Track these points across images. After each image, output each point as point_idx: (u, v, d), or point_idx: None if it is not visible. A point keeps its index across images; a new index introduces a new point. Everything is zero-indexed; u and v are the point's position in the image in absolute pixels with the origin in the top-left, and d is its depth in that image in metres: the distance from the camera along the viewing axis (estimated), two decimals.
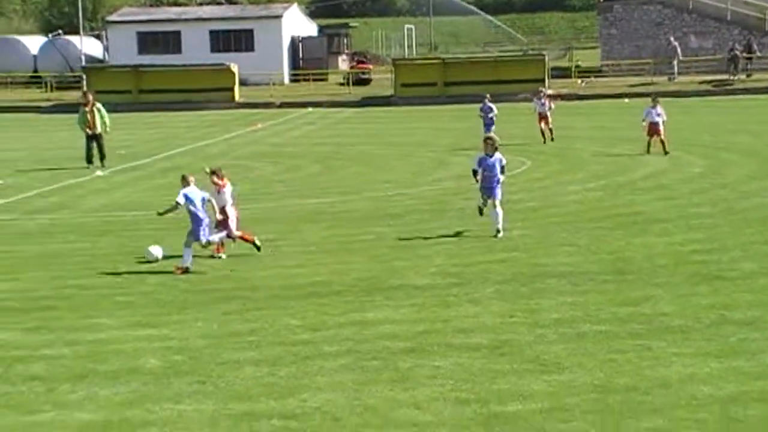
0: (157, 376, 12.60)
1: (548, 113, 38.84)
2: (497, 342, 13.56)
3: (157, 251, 19.73)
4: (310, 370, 12.69)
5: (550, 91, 41.40)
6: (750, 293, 15.66)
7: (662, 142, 32.88)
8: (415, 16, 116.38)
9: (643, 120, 33.64)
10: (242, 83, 67.79)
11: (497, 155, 21.24)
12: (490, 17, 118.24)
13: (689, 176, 28.72)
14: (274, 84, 70.44)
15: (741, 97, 56.20)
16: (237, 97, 65.65)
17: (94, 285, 17.76)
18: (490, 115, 37.70)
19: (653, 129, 33.13)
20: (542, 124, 38.77)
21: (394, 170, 32.36)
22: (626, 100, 58.24)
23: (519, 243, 20.28)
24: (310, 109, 60.92)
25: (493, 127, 35.69)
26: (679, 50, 64.37)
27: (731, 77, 62.56)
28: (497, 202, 20.96)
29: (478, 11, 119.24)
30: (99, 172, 33.80)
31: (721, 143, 35.53)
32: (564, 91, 62.57)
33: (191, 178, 19.52)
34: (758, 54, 64.60)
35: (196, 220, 18.90)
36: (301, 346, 13.71)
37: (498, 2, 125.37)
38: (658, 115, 33.05)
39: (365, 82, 74.00)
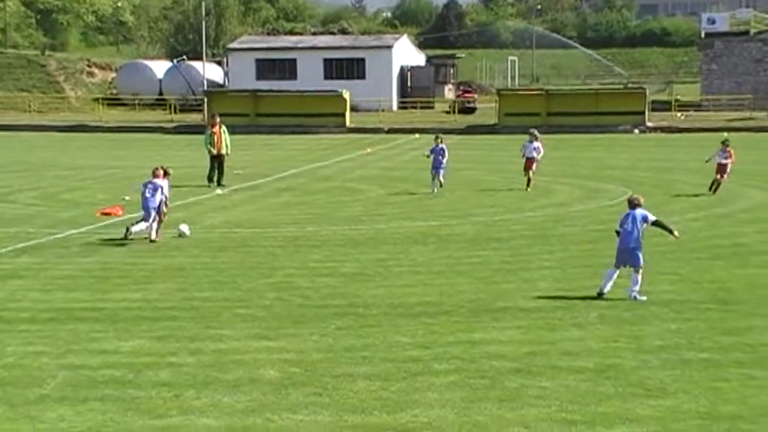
0: (275, 387, 12.67)
1: (537, 158, 33.67)
2: (602, 365, 13.38)
3: (185, 228, 23.93)
4: (421, 386, 12.66)
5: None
6: None
7: (718, 183, 31.77)
8: (518, 48, 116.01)
9: (708, 160, 32.79)
10: (353, 109, 68.23)
11: (639, 210, 17.74)
12: (590, 51, 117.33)
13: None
14: (383, 110, 70.76)
15: None
16: (348, 123, 66.08)
17: (216, 298, 17.96)
18: (441, 157, 33.12)
19: (720, 169, 31.92)
20: (529, 170, 33.51)
21: (499, 195, 32.22)
22: (725, 134, 57.23)
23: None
24: (417, 135, 61.02)
25: (442, 171, 32.93)
26: None
27: None
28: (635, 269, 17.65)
29: (578, 46, 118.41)
30: (218, 191, 34.25)
31: None
32: (664, 123, 61.78)
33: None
34: None
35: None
36: (411, 362, 13.69)
37: (599, 36, 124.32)
38: (726, 157, 31.89)
39: (470, 110, 73.94)
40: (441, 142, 33.33)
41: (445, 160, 33.02)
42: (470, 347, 14.42)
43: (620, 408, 11.72)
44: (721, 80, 68.35)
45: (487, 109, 70.63)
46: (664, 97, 73.77)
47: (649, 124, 61.13)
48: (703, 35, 70.92)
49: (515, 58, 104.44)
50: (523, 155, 33.67)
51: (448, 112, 73.12)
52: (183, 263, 21.34)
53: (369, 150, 51.20)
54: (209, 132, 36.40)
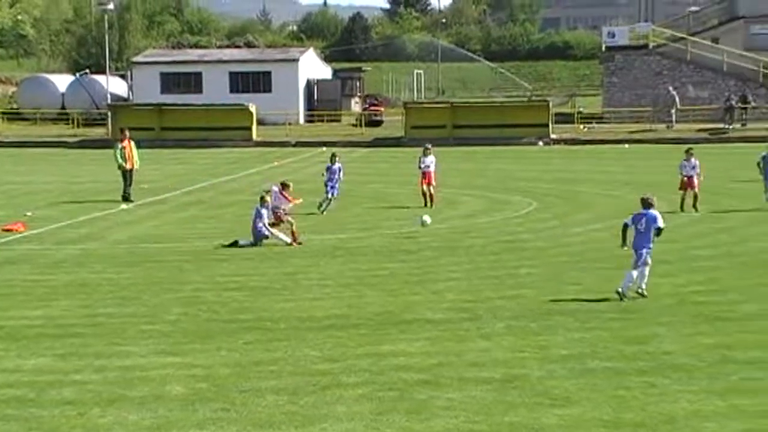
0: (182, 403, 12.57)
1: (433, 172, 32.94)
2: (508, 376, 13.53)
3: (427, 219, 26.05)
4: (329, 399, 12.67)
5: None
6: (750, 334, 15.63)
7: (695, 196, 30.49)
8: (424, 61, 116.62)
9: (680, 172, 31.04)
10: (260, 123, 67.93)
11: (653, 211, 18.46)
12: (494, 64, 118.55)
13: (689, 220, 28.70)
14: (290, 124, 70.61)
15: (736, 145, 56.19)
16: (255, 136, 65.79)
17: (121, 314, 17.75)
18: (336, 176, 32.25)
19: (688, 183, 30.65)
20: (424, 185, 32.78)
21: (406, 208, 32.36)
22: (626, 145, 58.34)
23: (527, 281, 20.27)
24: (324, 148, 60.99)
25: (336, 190, 32.14)
26: (677, 99, 64.46)
27: (727, 126, 62.60)
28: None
29: (482, 59, 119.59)
30: (124, 206, 33.85)
31: (721, 189, 35.46)
32: (567, 135, 62.69)
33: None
34: (753, 104, 64.65)
35: None
36: (320, 376, 13.69)
37: (503, 50, 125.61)
38: (693, 168, 30.58)
39: (377, 123, 74.16)
40: (337, 161, 32.87)
41: (338, 178, 32.47)
42: (378, 360, 14.47)
43: (526, 417, 11.85)
44: (621, 93, 69.55)
45: (393, 122, 70.91)
46: (567, 109, 74.82)
47: (553, 136, 61.97)
48: (604, 49, 72.14)
49: (421, 71, 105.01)
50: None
51: (355, 125, 73.24)
52: (87, 279, 21.05)
53: (276, 163, 51.05)
54: (120, 147, 35.91)
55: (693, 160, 30.09)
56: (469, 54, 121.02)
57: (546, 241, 25.55)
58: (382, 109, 79.19)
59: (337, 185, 32.19)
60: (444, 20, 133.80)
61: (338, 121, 76.69)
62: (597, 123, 67.56)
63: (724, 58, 67.65)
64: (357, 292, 19.46)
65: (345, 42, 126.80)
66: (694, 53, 68.60)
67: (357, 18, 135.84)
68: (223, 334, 16.15)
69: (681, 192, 30.69)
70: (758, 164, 30.52)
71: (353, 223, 29.23)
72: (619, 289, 18.23)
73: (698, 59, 68.56)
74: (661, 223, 18.38)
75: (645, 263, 18.35)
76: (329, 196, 31.86)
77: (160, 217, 31.40)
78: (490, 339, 15.59)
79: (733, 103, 63.49)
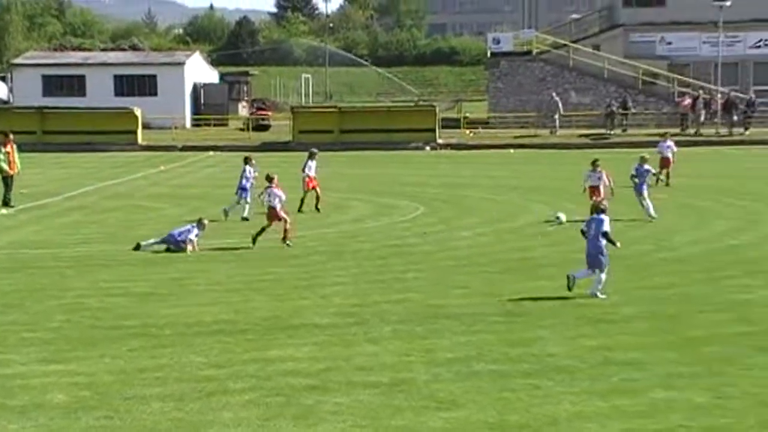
0: (65, 411, 12.35)
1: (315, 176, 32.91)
2: (395, 380, 13.59)
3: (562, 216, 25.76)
4: (216, 405, 12.58)
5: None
6: (631, 336, 15.96)
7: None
8: (312, 65, 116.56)
9: (584, 182, 30.33)
10: (145, 126, 67.11)
11: (603, 216, 18.92)
12: (381, 69, 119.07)
13: (570, 225, 29.15)
14: (176, 128, 69.88)
15: (617, 150, 57.34)
16: (140, 140, 64.95)
17: (1, 321, 17.35)
18: (249, 182, 31.80)
19: (593, 192, 29.73)
20: (309, 189, 32.81)
21: (293, 213, 32.23)
22: (511, 150, 59.12)
23: (414, 285, 20.40)
24: (211, 153, 60.57)
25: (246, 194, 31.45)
26: (560, 105, 65.57)
27: (608, 131, 63.89)
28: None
29: (368, 64, 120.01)
30: (3, 210, 33.11)
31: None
32: (454, 140, 63.27)
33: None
34: (633, 110, 66.12)
35: None
36: (206, 382, 13.58)
37: (390, 55, 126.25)
38: (599, 178, 29.90)
39: (264, 128, 73.83)
40: (252, 163, 32.62)
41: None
42: (266, 365, 14.41)
43: (412, 421, 11.93)
44: (507, 98, 70.47)
45: (281, 126, 70.71)
46: (453, 114, 75.49)
47: (440, 141, 62.46)
48: (489, 55, 73.02)
49: (309, 76, 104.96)
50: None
51: (242, 129, 72.82)
52: None
53: (162, 168, 50.47)
54: (3, 151, 35.05)
55: (599, 170, 29.67)
56: (357, 59, 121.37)
57: (433, 245, 25.74)
58: (270, 113, 78.89)
59: (248, 190, 31.80)
60: (331, 25, 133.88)
61: (225, 125, 76.16)
62: (483, 128, 68.31)
63: (605, 65, 69.04)
64: (244, 297, 19.35)
65: (232, 46, 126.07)
66: (576, 60, 69.87)
67: (244, 22, 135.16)
68: (106, 340, 15.91)
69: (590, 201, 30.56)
70: (632, 177, 30.15)
71: (241, 228, 29.03)
72: (592, 293, 18.73)
73: (580, 66, 69.86)
74: (605, 227, 18.81)
75: (602, 269, 18.76)
76: (245, 199, 31.63)
77: (41, 222, 30.79)
78: (377, 343, 15.64)
79: (614, 108, 64.85)
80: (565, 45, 71.08)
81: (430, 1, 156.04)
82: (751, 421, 11.75)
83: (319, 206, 32.41)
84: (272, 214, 25.68)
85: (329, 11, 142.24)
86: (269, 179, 26.16)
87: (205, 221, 25.99)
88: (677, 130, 62.26)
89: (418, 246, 25.41)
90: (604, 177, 29.38)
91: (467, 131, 66.67)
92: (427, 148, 61.27)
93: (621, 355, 14.70)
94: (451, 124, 67.75)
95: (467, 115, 71.80)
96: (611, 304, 18.31)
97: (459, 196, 36.60)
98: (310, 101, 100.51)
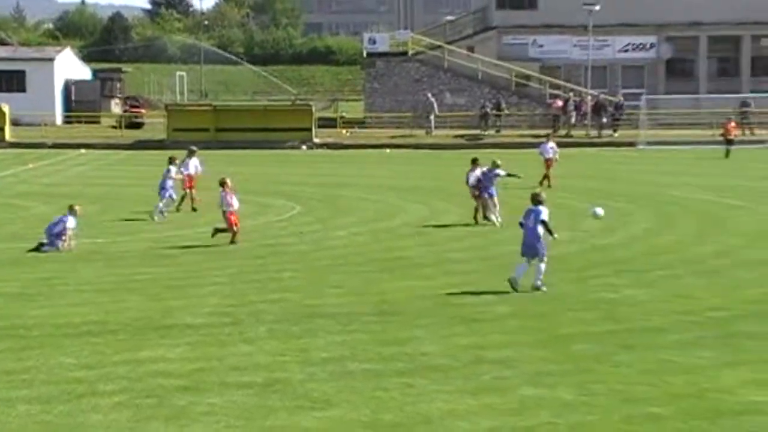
0: None
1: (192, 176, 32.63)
2: (270, 380, 13.56)
3: (600, 211, 24.03)
4: (85, 407, 12.38)
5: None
6: (502, 334, 16.20)
7: (484, 206, 29.40)
8: (187, 63, 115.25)
9: (468, 183, 30.03)
10: (14, 123, 65.54)
11: (540, 207, 19.65)
12: (257, 68, 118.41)
13: (446, 223, 29.46)
14: (46, 125, 68.39)
15: (491, 150, 58.03)
16: (8, 137, 63.41)
17: None
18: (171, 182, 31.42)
19: (472, 193, 29.83)
20: (190, 185, 32.53)
21: (170, 212, 31.89)
22: (387, 150, 59.39)
23: (290, 284, 20.37)
24: (83, 150, 59.46)
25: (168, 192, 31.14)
26: (435, 105, 66.11)
27: (482, 132, 64.67)
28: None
29: (244, 62, 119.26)
30: None
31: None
32: (330, 140, 63.29)
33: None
34: (506, 112, 67.02)
35: None
36: (75, 384, 13.36)
37: (266, 53, 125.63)
38: (477, 178, 29.61)
39: (138, 125, 72.78)
40: (176, 162, 32.03)
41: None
42: (137, 366, 14.23)
43: (287, 421, 11.92)
44: (383, 98, 70.76)
45: (155, 125, 69.78)
46: (330, 114, 75.54)
47: (317, 140, 62.43)
48: (365, 55, 73.24)
49: (183, 73, 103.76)
50: (185, 173, 32.50)
51: (115, 127, 71.65)
52: None
53: (31, 165, 49.36)
54: None
55: (478, 170, 29.61)
56: (232, 57, 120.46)
57: (309, 244, 25.74)
58: (143, 111, 77.79)
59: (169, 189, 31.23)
60: (206, 22, 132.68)
61: (97, 122, 74.74)
62: (359, 128, 68.50)
63: (479, 66, 69.84)
64: (116, 297, 19.07)
65: (104, 42, 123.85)
66: (451, 61, 70.52)
67: (117, 18, 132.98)
68: None
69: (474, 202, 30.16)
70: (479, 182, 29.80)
71: (113, 227, 28.61)
72: (512, 278, 19.31)
73: (455, 67, 70.53)
74: (544, 216, 19.47)
75: (542, 259, 19.38)
76: (170, 198, 31.11)
77: None
78: (252, 343, 15.58)
79: (488, 110, 65.66)
80: (440, 46, 71.69)
81: (306, 0, 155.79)
82: (615, 417, 12.04)
83: (195, 206, 32.08)
84: (228, 218, 25.48)
85: (204, 8, 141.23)
86: (222, 184, 25.85)
87: (77, 207, 25.51)
88: (549, 132, 63.39)
89: (294, 246, 25.38)
90: (478, 172, 29.46)
91: (344, 131, 66.79)
92: (304, 147, 61.19)
93: (493, 354, 14.91)
94: (327, 123, 67.75)
95: (344, 114, 71.93)
96: (484, 303, 18.55)
97: (335, 195, 36.64)
98: (185, 99, 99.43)
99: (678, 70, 72.10)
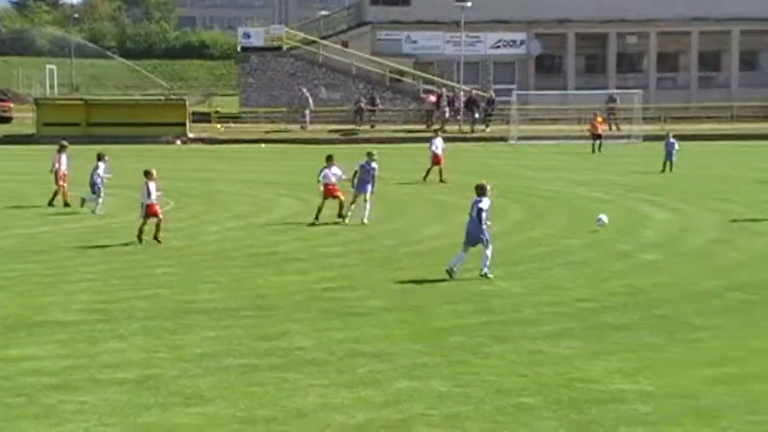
0: None
1: (64, 171, 32.14)
2: (143, 376, 13.39)
3: (604, 218, 25.85)
4: None
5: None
6: (377, 328, 16.28)
7: (340, 204, 28.61)
8: (57, 56, 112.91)
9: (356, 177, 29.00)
10: None
11: (484, 198, 20.33)
12: (130, 62, 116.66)
13: (321, 218, 29.45)
14: None
15: (365, 145, 58.19)
16: None
17: None
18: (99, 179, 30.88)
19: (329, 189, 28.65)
20: (61, 182, 31.95)
21: (37, 207, 31.22)
22: (263, 145, 59.10)
23: (164, 280, 20.13)
24: None
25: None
26: (310, 100, 66.03)
27: (357, 127, 64.85)
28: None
29: (116, 56, 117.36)
30: None
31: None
32: (205, 135, 62.73)
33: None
34: (381, 107, 67.34)
35: None
36: None
37: (139, 47, 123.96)
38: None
39: (5, 120, 71.00)
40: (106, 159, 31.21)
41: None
42: (6, 365, 13.91)
43: (160, 418, 11.78)
44: (258, 93, 70.39)
45: (24, 119, 68.18)
46: (204, 108, 74.83)
47: (191, 135, 61.79)
48: (239, 49, 72.76)
49: (53, 67, 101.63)
50: (56, 169, 31.79)
51: None
52: None
53: None
54: None
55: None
56: (104, 51, 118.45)
57: (183, 240, 25.47)
58: (11, 105, 75.88)
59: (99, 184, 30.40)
60: (76, 15, 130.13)
61: None
62: (234, 123, 68.02)
63: (353, 61, 70.00)
64: None
65: None
66: (325, 56, 70.53)
67: None
68: None
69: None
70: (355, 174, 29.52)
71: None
72: (449, 267, 20.03)
73: (330, 62, 70.57)
74: (483, 206, 20.06)
75: (487, 245, 20.01)
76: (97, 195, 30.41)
77: None
78: (124, 340, 15.36)
79: (363, 105, 65.88)
80: (314, 41, 71.63)
81: None
82: (488, 408, 12.21)
83: (68, 201, 31.45)
84: (150, 211, 24.73)
85: (74, 1, 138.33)
86: (147, 174, 25.00)
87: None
88: (423, 127, 63.95)
89: (167, 241, 25.05)
90: (337, 170, 28.76)
91: (218, 126, 66.25)
92: (178, 142, 60.53)
93: (368, 347, 14.98)
94: (202, 118, 67.16)
95: (218, 109, 71.34)
96: (358, 297, 18.62)
97: (210, 190, 36.32)
98: (56, 93, 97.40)
99: (547, 67, 73.45)
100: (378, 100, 67.30)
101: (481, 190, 20.41)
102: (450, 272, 20.13)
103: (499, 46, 72.14)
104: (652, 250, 23.64)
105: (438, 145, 38.55)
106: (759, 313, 17.28)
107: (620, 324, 16.48)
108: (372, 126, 65.83)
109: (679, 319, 16.81)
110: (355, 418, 11.79)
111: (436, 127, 51.44)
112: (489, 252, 20.16)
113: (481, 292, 19.13)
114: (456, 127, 63.58)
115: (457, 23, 63.53)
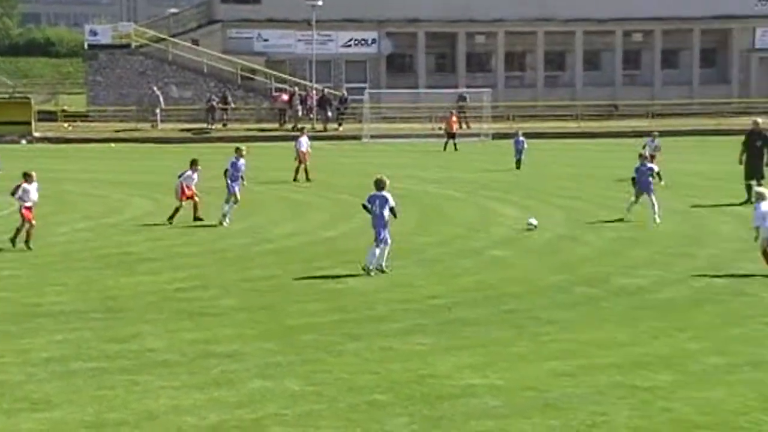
0: None
1: None
2: None
3: (533, 221, 26.01)
4: None
5: None
6: (230, 327, 16.17)
7: (195, 206, 28.17)
8: None
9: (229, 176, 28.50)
10: None
11: (384, 193, 20.42)
12: None
13: (177, 220, 29.14)
14: None
15: (218, 144, 57.76)
16: None
17: None
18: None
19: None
20: None
21: None
22: (112, 144, 58.05)
23: (9, 283, 19.60)
24: None
25: None
26: (161, 99, 65.13)
27: (209, 126, 64.23)
28: None
29: None
30: None
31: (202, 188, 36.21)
32: (51, 134, 61.29)
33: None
34: (233, 105, 66.82)
35: None
36: None
37: None
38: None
39: None
40: None
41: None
42: None
43: (5, 424, 11.48)
44: (106, 92, 69.02)
45: None
46: (51, 107, 73.01)
47: (37, 134, 60.29)
48: (87, 47, 71.26)
49: None
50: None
51: None
52: None
53: None
54: None
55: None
56: None
57: (30, 242, 24.77)
58: None
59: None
60: None
61: None
62: (82, 121, 66.59)
63: (204, 60, 69.30)
64: None
65: None
66: (176, 54, 69.62)
67: None
68: None
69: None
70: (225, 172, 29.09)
71: None
72: (366, 265, 20.17)
73: (180, 60, 69.70)
74: (392, 203, 20.28)
75: (385, 243, 20.26)
76: None
77: None
78: None
79: (215, 103, 65.28)
80: (164, 39, 70.65)
81: None
82: (341, 406, 12.25)
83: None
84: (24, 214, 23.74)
85: None
86: (26, 176, 24.06)
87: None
88: (276, 125, 63.78)
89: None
90: (193, 174, 28.32)
91: (65, 124, 64.78)
92: (23, 141, 58.99)
93: (220, 348, 14.86)
94: (48, 117, 65.58)
95: (65, 108, 69.74)
96: (212, 297, 18.47)
97: (59, 191, 35.38)
98: None
99: (398, 65, 73.97)
100: (230, 99, 66.77)
101: (379, 185, 20.57)
102: (367, 270, 20.30)
103: (350, 45, 72.37)
104: (502, 247, 24.08)
105: (303, 143, 38.54)
106: (603, 306, 17.76)
107: (470, 319, 16.73)
108: (224, 125, 65.31)
109: (527, 313, 17.15)
110: (207, 420, 11.69)
111: (301, 125, 51.18)
112: (378, 251, 20.37)
113: (334, 290, 19.18)
114: (309, 126, 63.54)
115: (309, 22, 63.52)
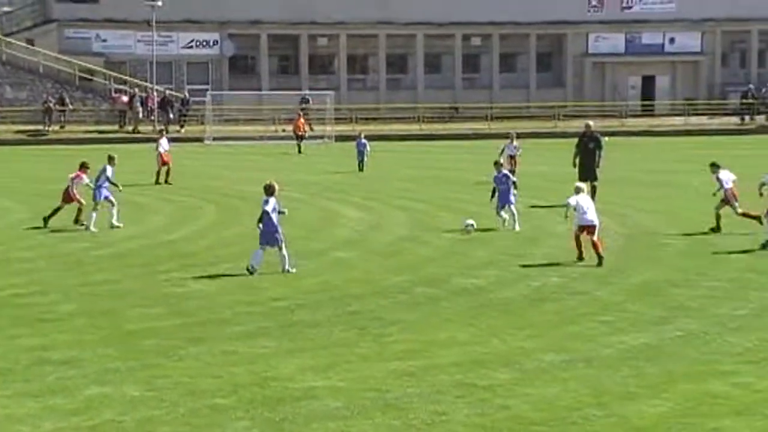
0: None
1: None
2: None
3: (470, 221, 25.74)
4: None
5: None
6: (68, 333, 15.84)
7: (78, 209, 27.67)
8: None
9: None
10: None
11: (273, 199, 20.74)
12: None
13: (12, 222, 28.37)
14: None
15: (55, 146, 56.41)
16: None
17: None
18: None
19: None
20: None
21: None
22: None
23: None
24: None
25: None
26: None
27: (46, 128, 62.66)
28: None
29: None
30: None
31: (42, 191, 35.36)
32: None
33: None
34: (71, 107, 65.34)
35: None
36: None
37: None
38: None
39: None
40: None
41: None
42: None
43: None
44: None
45: None
46: None
47: None
48: None
49: None
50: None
51: None
52: None
53: None
54: None
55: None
56: None
57: None
58: None
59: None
60: None
61: None
62: None
63: (40, 60, 67.57)
64: None
65: None
66: (9, 54, 67.72)
67: None
68: None
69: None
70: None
71: None
72: (249, 265, 20.46)
73: (14, 60, 67.84)
74: (277, 207, 20.65)
75: (280, 247, 20.57)
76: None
77: None
78: None
79: (51, 105, 63.70)
80: None
81: None
82: (181, 410, 12.13)
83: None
84: None
85: None
86: None
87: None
88: (116, 127, 62.67)
89: None
90: (83, 176, 27.57)
91: None
92: None
93: (57, 354, 14.54)
94: None
95: None
96: (50, 302, 18.06)
97: None
98: None
99: (241, 67, 73.51)
100: (68, 100, 65.22)
101: (269, 190, 20.75)
102: (251, 270, 20.49)
103: (191, 46, 71.54)
104: (345, 248, 24.20)
105: (164, 145, 37.97)
106: (444, 306, 18.01)
107: (314, 321, 16.77)
108: (62, 126, 63.80)
109: (370, 314, 17.28)
110: (41, 428, 11.42)
111: (160, 128, 50.31)
112: (285, 251, 20.70)
113: (176, 294, 18.97)
114: (150, 128, 62.59)
115: (148, 22, 62.59)
